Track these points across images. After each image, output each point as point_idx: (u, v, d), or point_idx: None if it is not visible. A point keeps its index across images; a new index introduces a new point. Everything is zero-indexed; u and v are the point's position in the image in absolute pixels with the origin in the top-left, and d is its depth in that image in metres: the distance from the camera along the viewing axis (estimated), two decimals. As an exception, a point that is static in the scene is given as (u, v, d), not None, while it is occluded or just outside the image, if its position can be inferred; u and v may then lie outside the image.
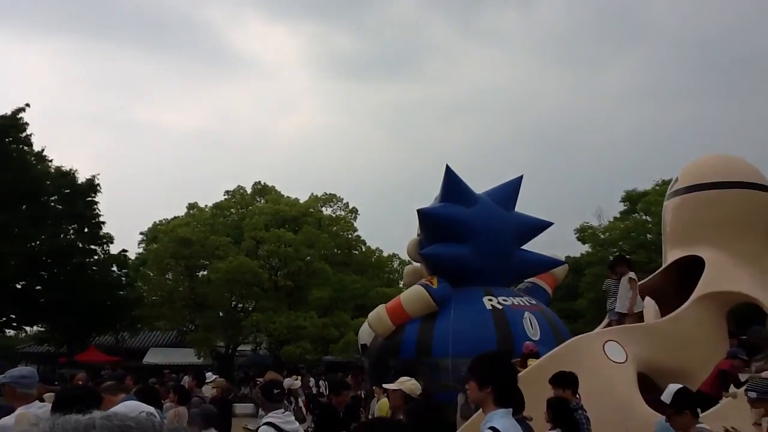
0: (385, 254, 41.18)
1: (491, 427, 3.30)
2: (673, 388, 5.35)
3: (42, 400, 5.60)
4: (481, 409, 3.86)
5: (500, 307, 14.05)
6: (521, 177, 16.20)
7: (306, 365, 36.10)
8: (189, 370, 29.14)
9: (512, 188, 16.06)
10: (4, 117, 22.46)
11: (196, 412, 8.47)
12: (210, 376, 17.94)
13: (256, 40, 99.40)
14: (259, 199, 38.62)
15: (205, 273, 35.30)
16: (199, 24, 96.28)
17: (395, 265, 41.60)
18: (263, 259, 34.42)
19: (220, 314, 36.40)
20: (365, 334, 16.07)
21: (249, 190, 38.84)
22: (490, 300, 14.21)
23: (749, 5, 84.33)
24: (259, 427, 6.01)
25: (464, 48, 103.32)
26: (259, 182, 39.14)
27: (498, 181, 16.48)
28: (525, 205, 16.34)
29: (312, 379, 22.82)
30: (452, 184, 14.97)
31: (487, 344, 11.90)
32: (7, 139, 22.37)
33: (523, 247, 15.96)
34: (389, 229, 68.12)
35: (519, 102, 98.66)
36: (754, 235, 11.37)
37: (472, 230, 14.57)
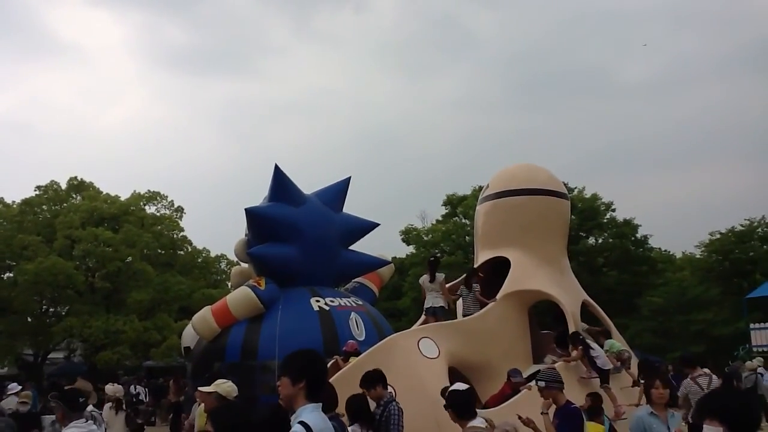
0: (212, 254, 40.28)
1: (301, 422, 3.42)
2: (458, 386, 5.62)
3: None
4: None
5: (327, 308, 14.33)
6: (349, 178, 16.59)
7: (125, 371, 34.48)
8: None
9: (340, 189, 16.40)
10: None
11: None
12: (14, 386, 16.67)
13: (76, 25, 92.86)
14: (75, 196, 36.13)
15: (11, 275, 32.51)
16: (12, 3, 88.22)
17: (223, 266, 40.80)
18: (78, 260, 32.36)
19: (28, 319, 33.77)
20: (189, 336, 15.69)
21: (64, 186, 36.20)
22: (318, 301, 14.45)
23: (555, 27, 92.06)
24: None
25: (299, 48, 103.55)
26: (76, 177, 36.61)
27: (329, 182, 16.77)
28: (353, 206, 16.74)
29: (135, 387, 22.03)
30: (281, 183, 15.04)
31: (313, 345, 12.08)
32: None
33: (351, 247, 16.38)
34: (218, 229, 66.46)
35: (351, 104, 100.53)
36: (554, 238, 12.59)
37: (300, 230, 14.73)
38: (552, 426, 6.67)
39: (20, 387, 17.41)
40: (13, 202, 34.92)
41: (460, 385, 5.63)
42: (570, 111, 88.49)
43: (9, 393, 15.56)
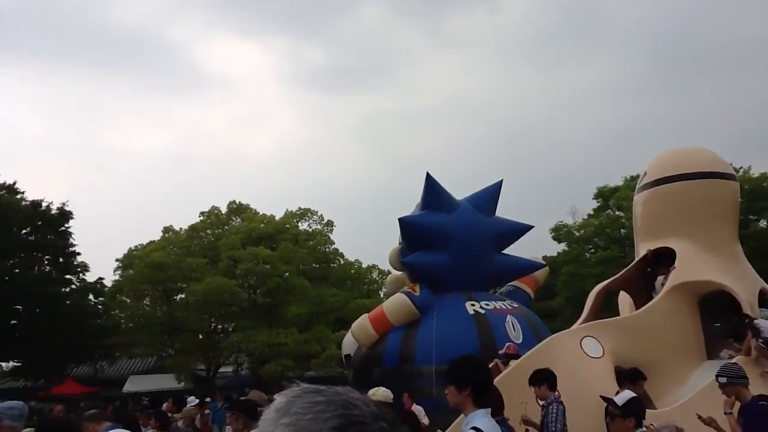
0: (364, 265, 41.24)
1: (473, 428, 3.38)
2: (627, 394, 5.47)
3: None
4: (462, 414, 3.95)
5: (482, 311, 14.18)
6: (501, 181, 16.31)
7: (289, 382, 36.07)
8: (170, 395, 29.01)
9: (492, 193, 16.20)
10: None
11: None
12: (192, 400, 17.85)
13: (225, 58, 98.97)
14: (234, 219, 38.49)
15: (183, 296, 35.04)
16: (166, 44, 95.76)
17: (374, 276, 41.68)
18: (241, 279, 34.28)
19: (199, 337, 36.16)
20: (349, 344, 16.11)
21: (224, 210, 38.72)
22: (473, 305, 14.34)
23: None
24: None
25: (433, 54, 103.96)
26: (234, 201, 39.07)
27: (474, 187, 16.61)
28: (500, 209, 16.48)
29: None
30: (432, 191, 15.10)
31: (470, 350, 11.99)
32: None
33: (504, 250, 16.13)
34: (367, 240, 68.06)
35: (489, 106, 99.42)
36: (722, 223, 11.64)
37: (453, 237, 14.70)
38: (738, 426, 6.11)
39: (198, 400, 18.67)
40: (181, 228, 37.77)
41: (628, 393, 5.41)
42: (726, 87, 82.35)
43: (189, 406, 16.69)
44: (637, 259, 12.44)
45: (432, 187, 15.09)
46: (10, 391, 40.67)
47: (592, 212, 41.06)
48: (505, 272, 16.17)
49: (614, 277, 12.53)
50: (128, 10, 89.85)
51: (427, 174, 15.04)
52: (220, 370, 39.11)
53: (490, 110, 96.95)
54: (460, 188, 16.60)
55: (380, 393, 6.43)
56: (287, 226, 37.36)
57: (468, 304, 14.38)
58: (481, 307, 14.30)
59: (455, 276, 14.78)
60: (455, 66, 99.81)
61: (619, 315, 12.03)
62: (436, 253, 14.69)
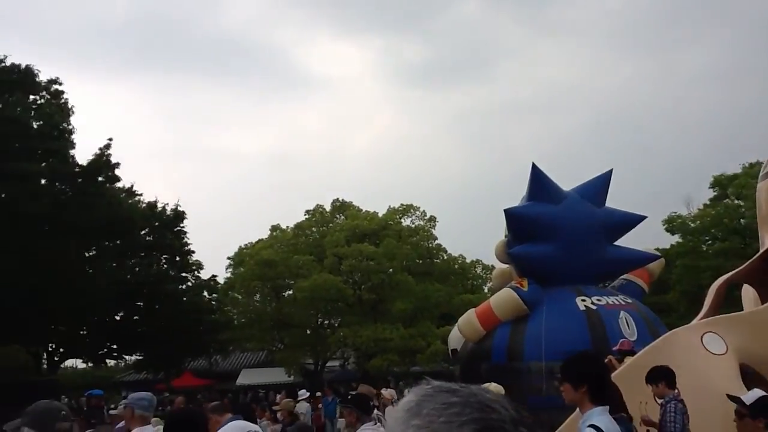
0: (467, 261, 40.97)
1: (592, 425, 3.30)
2: (757, 393, 5.16)
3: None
4: (578, 409, 3.85)
5: (594, 307, 13.73)
6: (611, 171, 15.69)
7: (394, 376, 36.37)
8: (281, 388, 29.93)
9: (602, 183, 15.62)
10: (94, 156, 23.77)
11: (292, 429, 8.68)
12: (303, 393, 18.35)
13: (324, 59, 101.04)
14: (338, 216, 39.20)
15: (291, 292, 36.03)
16: (267, 48, 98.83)
17: (479, 271, 41.38)
18: (346, 275, 34.84)
19: (307, 332, 37.05)
20: (455, 339, 16.02)
21: (328, 208, 39.51)
22: (583, 300, 13.92)
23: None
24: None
25: (534, 44, 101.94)
26: (338, 199, 39.82)
27: (581, 179, 16.09)
28: (610, 200, 15.90)
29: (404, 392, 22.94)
30: (539, 181, 14.75)
31: (581, 346, 11.62)
32: (99, 178, 23.62)
33: (616, 242, 15.54)
34: (470, 236, 67.63)
35: (595, 95, 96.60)
36: None
37: (561, 228, 14.29)
38: None
39: (308, 393, 19.18)
40: (288, 227, 38.86)
41: (758, 392, 5.08)
42: None
43: (300, 399, 17.17)
44: (762, 250, 11.70)
45: (538, 177, 14.73)
46: (133, 383, 43.20)
47: (708, 202, 38.99)
48: (617, 265, 15.57)
49: (737, 270, 11.82)
50: (231, 18, 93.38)
51: (533, 165, 14.71)
52: (327, 365, 39.92)
53: (596, 100, 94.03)
54: (567, 180, 16.09)
55: (492, 388, 6.29)
56: (390, 222, 37.65)
57: (578, 300, 13.96)
58: (592, 303, 13.86)
59: (564, 268, 14.38)
60: (557, 54, 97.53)
61: (742, 309, 11.35)
62: (544, 245, 14.33)
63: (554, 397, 11.43)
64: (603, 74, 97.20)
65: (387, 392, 16.16)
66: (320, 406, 19.09)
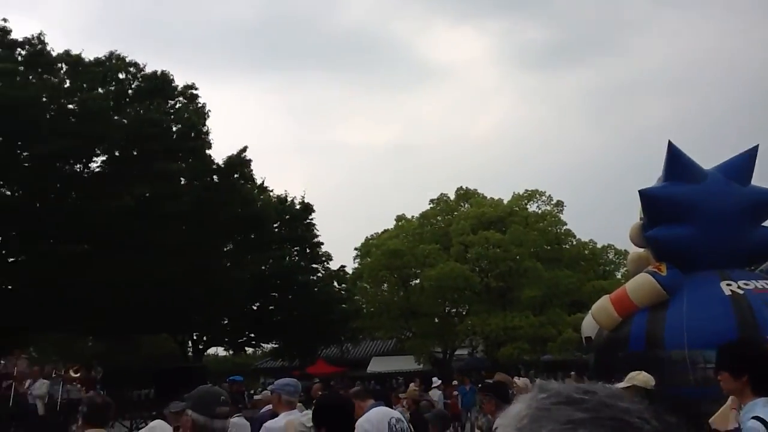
0: (598, 246, 39.63)
1: (756, 417, 3.07)
2: None
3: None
4: (730, 399, 3.61)
5: (741, 292, 12.83)
6: (756, 147, 14.59)
7: (524, 365, 35.85)
8: (411, 376, 30.31)
9: (746, 160, 14.52)
10: (230, 157, 25.07)
11: (431, 415, 8.72)
12: (436, 380, 18.49)
13: (443, 46, 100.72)
14: (463, 204, 39.07)
15: (418, 281, 36.33)
16: (387, 40, 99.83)
17: (611, 256, 39.90)
18: (472, 263, 34.68)
19: (435, 320, 37.21)
20: (589, 327, 15.50)
21: (452, 197, 39.47)
22: (729, 285, 13.01)
23: None
24: (495, 428, 6.04)
25: (660, 16, 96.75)
26: (462, 187, 39.67)
27: (722, 157, 15.05)
28: (757, 178, 14.77)
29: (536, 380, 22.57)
30: (676, 160, 13.94)
31: (727, 333, 10.88)
32: (234, 176, 24.88)
33: (764, 223, 14.44)
34: (601, 219, 65.31)
35: (730, 66, 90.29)
36: None
37: (703, 209, 13.43)
38: None
39: (440, 381, 19.27)
40: (413, 216, 39.20)
41: None
42: None
43: (433, 386, 17.32)
44: None
45: (675, 156, 13.88)
46: (270, 370, 45.20)
47: None
48: (766, 246, 14.47)
49: None
50: (351, 14, 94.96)
51: (669, 143, 13.90)
52: (456, 353, 39.95)
53: (732, 71, 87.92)
54: (706, 160, 15.08)
55: (641, 378, 6.00)
56: (515, 208, 37.09)
57: (723, 284, 13.06)
58: (738, 287, 12.93)
59: (706, 251, 13.50)
60: (686, 26, 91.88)
61: None
62: (684, 227, 13.52)
63: (703, 389, 10.85)
64: (734, 42, 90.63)
65: (521, 381, 15.92)
66: (456, 394, 19.12)
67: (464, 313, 37.18)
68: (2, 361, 17.75)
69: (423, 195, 78.30)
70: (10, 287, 23.35)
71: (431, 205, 39.23)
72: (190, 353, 38.24)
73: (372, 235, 39.89)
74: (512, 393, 6.42)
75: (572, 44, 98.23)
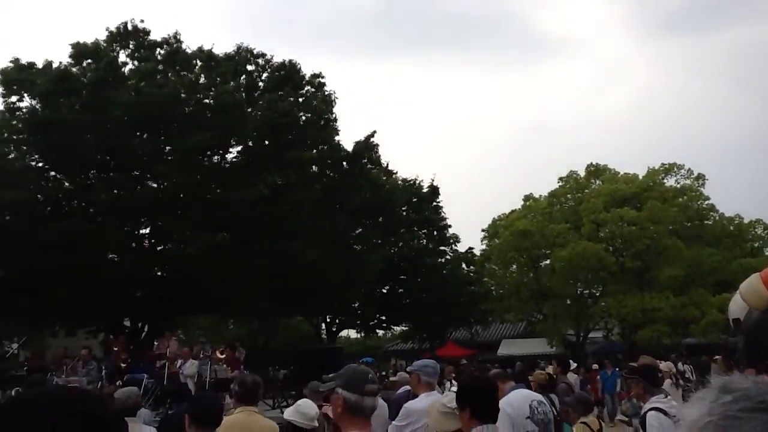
0: (745, 221, 37.00)
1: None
2: None
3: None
4: None
5: None
6: None
7: (664, 349, 34.19)
8: (543, 359, 29.68)
9: None
10: (359, 142, 25.52)
11: (572, 399, 8.46)
12: (572, 363, 17.96)
13: (571, 18, 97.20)
14: (594, 181, 37.71)
15: (548, 262, 35.53)
16: (508, 16, 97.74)
17: (759, 232, 37.17)
18: (606, 242, 33.46)
19: (567, 302, 36.26)
20: (738, 308, 14.47)
21: (582, 174, 38.15)
22: None
23: None
24: (646, 412, 5.76)
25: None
26: (592, 164, 38.24)
27: None
28: None
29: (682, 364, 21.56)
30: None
31: None
32: (363, 161, 25.31)
33: None
34: (748, 193, 60.98)
35: None
36: None
37: None
38: None
39: (576, 364, 18.74)
40: (541, 195, 38.30)
41: None
42: None
43: (570, 369, 16.82)
44: None
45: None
46: (401, 352, 45.91)
47: None
48: None
49: None
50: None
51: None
52: (590, 336, 38.82)
53: None
54: None
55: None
56: (651, 183, 35.36)
57: None
58: None
59: None
60: None
61: None
62: None
63: None
64: None
65: (664, 365, 15.19)
66: (598, 378, 18.52)
67: (598, 294, 36.01)
68: (156, 342, 19.08)
69: (551, 173, 76.21)
70: (159, 273, 25.02)
71: (560, 184, 38.14)
72: (324, 335, 39.55)
73: (499, 216, 39.38)
74: (661, 377, 6.07)
75: (706, 7, 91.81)
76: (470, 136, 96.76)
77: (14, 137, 22.53)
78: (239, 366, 15.78)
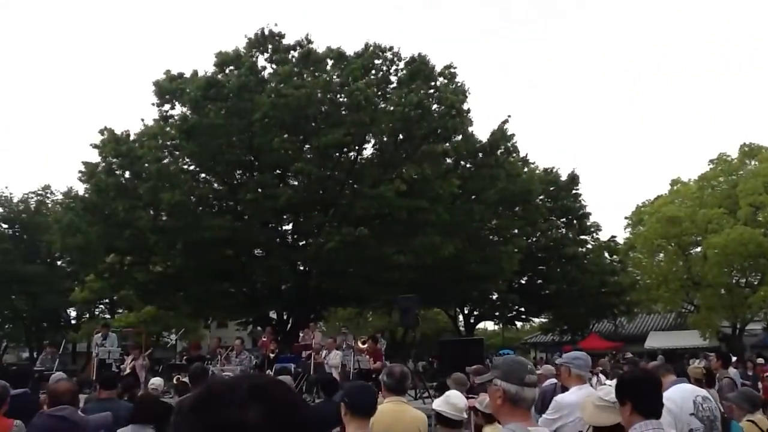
0: None
1: None
2: None
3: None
4: None
5: None
6: None
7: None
8: (695, 352, 27.96)
9: None
10: (493, 132, 25.17)
11: (736, 395, 7.89)
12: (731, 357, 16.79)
13: None
14: (748, 162, 34.99)
15: (699, 250, 33.45)
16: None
17: None
18: (765, 227, 30.98)
19: (722, 292, 33.97)
20: None
21: (735, 155, 35.53)
22: None
23: None
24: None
25: None
26: (746, 144, 35.51)
27: None
28: None
29: None
30: None
31: None
32: (498, 151, 24.95)
33: None
34: None
35: None
36: None
37: None
38: None
39: (735, 357, 17.45)
40: (689, 180, 36.10)
41: None
42: None
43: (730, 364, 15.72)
44: None
45: None
46: (540, 344, 45.05)
47: None
48: None
49: None
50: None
51: None
52: (747, 328, 36.23)
53: None
54: None
55: None
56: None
57: None
58: None
59: None
60: None
61: None
62: None
63: None
64: None
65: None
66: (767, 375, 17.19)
67: (756, 282, 33.43)
68: (300, 334, 19.79)
69: (700, 156, 71.69)
70: (302, 268, 25.99)
71: (711, 166, 35.72)
72: (461, 327, 39.52)
73: (644, 203, 37.55)
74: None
75: None
76: (609, 120, 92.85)
77: (168, 143, 24.15)
78: (381, 357, 16.01)
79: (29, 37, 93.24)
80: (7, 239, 38.98)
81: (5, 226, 40.57)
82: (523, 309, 36.91)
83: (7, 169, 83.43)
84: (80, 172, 24.83)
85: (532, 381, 2.85)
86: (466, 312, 38.50)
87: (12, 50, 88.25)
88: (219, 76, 23.66)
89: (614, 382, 4.32)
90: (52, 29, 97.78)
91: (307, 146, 24.66)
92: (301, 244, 26.13)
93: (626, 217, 38.09)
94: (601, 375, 11.05)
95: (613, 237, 35.94)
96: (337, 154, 24.37)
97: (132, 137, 24.21)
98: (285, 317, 26.84)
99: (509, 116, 26.30)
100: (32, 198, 41.25)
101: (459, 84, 24.95)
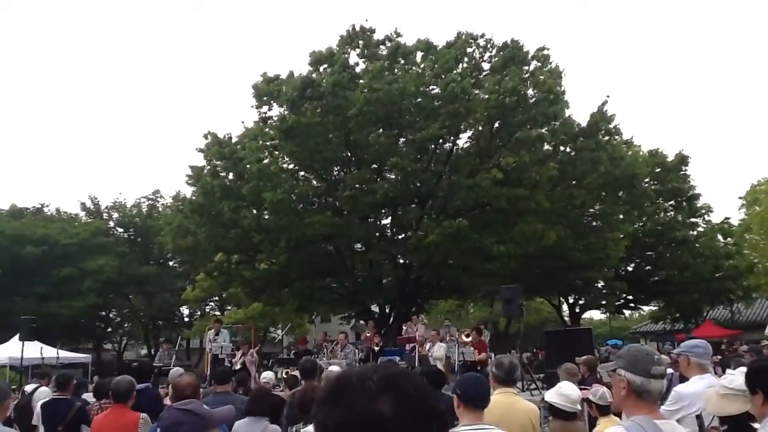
0: None
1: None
2: None
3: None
4: None
5: None
6: None
7: None
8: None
9: None
10: (593, 114, 24.29)
11: None
12: None
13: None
14: None
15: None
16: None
17: None
18: None
19: None
20: None
21: None
22: None
23: None
24: None
25: None
26: None
27: None
28: None
29: None
30: None
31: None
32: (599, 134, 24.07)
33: None
34: None
35: None
36: None
37: None
38: None
39: None
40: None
41: None
42: None
43: None
44: None
45: None
46: (651, 333, 43.29)
47: None
48: None
49: None
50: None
51: None
52: None
53: None
54: None
55: None
56: None
57: None
58: None
59: None
60: None
61: None
62: None
63: None
64: None
65: None
66: None
67: None
68: (403, 326, 19.87)
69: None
70: (402, 261, 26.08)
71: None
72: (566, 317, 38.55)
73: (759, 181, 35.39)
74: None
75: None
76: (719, 98, 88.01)
77: (268, 143, 24.80)
78: (486, 348, 15.81)
79: (140, 53, 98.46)
80: (123, 243, 41.37)
81: (120, 230, 43.09)
82: (631, 297, 35.57)
83: (120, 177, 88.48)
84: (187, 175, 26.06)
85: (659, 372, 2.70)
86: (570, 301, 37.53)
87: (124, 68, 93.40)
88: (314, 75, 24.03)
89: (738, 370, 4.06)
90: (160, 46, 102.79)
91: (402, 140, 24.68)
92: (400, 237, 26.23)
93: (740, 197, 36.09)
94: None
95: (727, 218, 34.03)
96: (433, 146, 24.27)
97: (234, 140, 25.06)
98: (387, 310, 27.05)
99: (608, 96, 25.34)
100: (144, 203, 43.61)
101: (554, 66, 24.27)
